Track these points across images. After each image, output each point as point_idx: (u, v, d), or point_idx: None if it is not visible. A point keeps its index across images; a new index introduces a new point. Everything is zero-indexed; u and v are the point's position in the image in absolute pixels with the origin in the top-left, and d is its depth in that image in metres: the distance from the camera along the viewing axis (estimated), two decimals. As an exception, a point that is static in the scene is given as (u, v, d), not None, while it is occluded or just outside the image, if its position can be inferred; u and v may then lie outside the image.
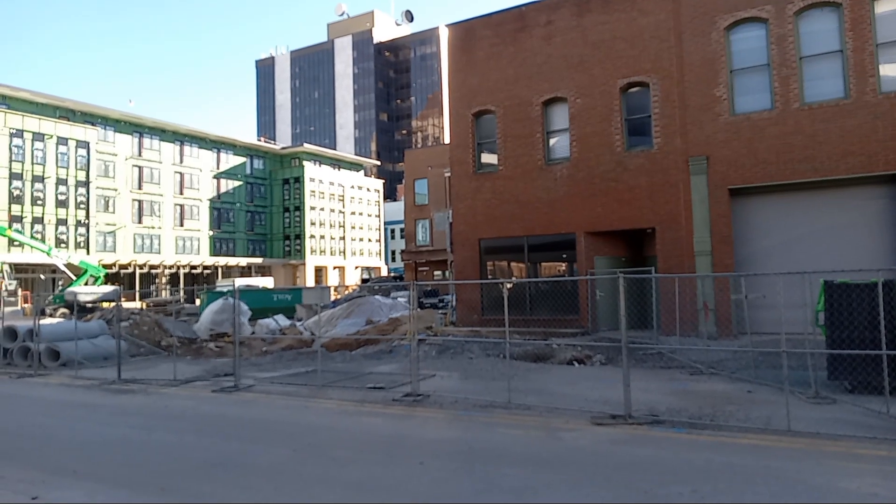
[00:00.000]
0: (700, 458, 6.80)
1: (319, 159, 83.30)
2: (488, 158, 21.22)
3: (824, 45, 15.95)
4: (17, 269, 48.30)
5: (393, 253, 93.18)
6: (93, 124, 57.69)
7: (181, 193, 66.80)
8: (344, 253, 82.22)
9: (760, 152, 16.34)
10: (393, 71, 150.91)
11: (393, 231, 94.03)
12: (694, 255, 16.98)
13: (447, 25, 21.86)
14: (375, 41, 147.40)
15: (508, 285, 11.02)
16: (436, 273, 54.85)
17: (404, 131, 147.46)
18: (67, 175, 53.70)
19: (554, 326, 17.51)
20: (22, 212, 50.41)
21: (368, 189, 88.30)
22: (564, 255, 20.14)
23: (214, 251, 69.84)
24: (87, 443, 8.62)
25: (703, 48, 17.18)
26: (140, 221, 62.52)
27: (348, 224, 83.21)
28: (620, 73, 18.52)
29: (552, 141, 20.01)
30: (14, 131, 50.32)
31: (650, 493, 5.74)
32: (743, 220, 16.95)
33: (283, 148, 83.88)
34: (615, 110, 18.60)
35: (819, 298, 10.11)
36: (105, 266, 50.79)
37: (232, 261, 70.73)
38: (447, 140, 29.67)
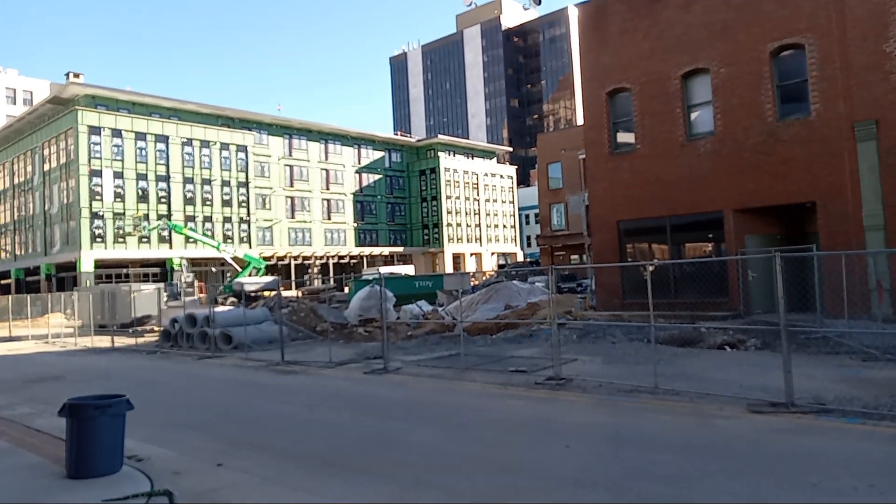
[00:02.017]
0: (878, 451, 6.23)
1: (453, 149, 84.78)
2: (625, 138, 20.51)
3: None
4: (193, 263, 54.05)
5: (528, 238, 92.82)
6: (249, 129, 62.85)
7: (327, 189, 70.98)
8: (480, 240, 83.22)
9: (945, 111, 14.40)
10: (522, 56, 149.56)
11: (527, 216, 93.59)
12: (863, 230, 15.35)
13: (576, 5, 21.30)
14: (503, 28, 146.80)
15: (651, 268, 10.67)
16: (572, 257, 53.97)
17: (535, 116, 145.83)
18: (230, 177, 59.07)
19: (701, 310, 16.64)
20: (194, 212, 56.21)
21: (502, 176, 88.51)
22: (710, 235, 19.02)
23: (359, 242, 73.60)
24: (259, 418, 9.57)
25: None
26: (293, 216, 67.33)
27: (483, 211, 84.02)
28: (770, 36, 17.08)
29: (693, 115, 18.92)
30: (185, 140, 56.16)
31: (819, 486, 5.37)
32: (924, 188, 15.05)
33: (419, 140, 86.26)
34: (765, 77, 17.20)
35: None
36: (264, 258, 55.38)
37: (375, 250, 74.17)
38: (580, 122, 28.96)
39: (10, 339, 28.72)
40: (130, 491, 5.73)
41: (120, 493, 5.68)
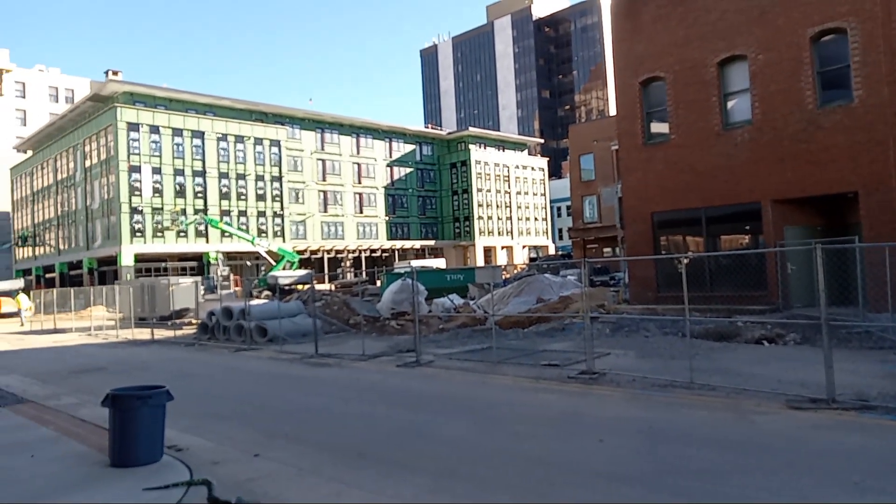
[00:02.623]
0: (922, 449, 6.05)
1: (484, 141, 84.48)
2: (658, 128, 20.18)
3: None
4: (228, 256, 55.03)
5: (560, 231, 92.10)
6: (282, 124, 63.57)
7: (359, 183, 71.45)
8: (511, 233, 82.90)
9: None
10: (553, 46, 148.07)
11: (559, 209, 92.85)
12: (909, 221, 14.85)
13: (610, -8, 20.99)
14: (534, 18, 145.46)
15: (685, 260, 10.50)
16: (605, 250, 53.41)
17: (567, 107, 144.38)
18: (264, 171, 59.90)
19: (738, 303, 16.32)
20: (229, 206, 57.16)
21: (533, 168, 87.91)
22: (748, 227, 18.63)
23: (391, 235, 73.98)
24: (294, 410, 9.72)
25: (916, -20, 14.82)
26: (325, 210, 67.98)
27: (514, 204, 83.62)
28: (810, 20, 16.59)
29: (730, 104, 18.51)
30: (220, 135, 57.07)
31: (861, 484, 5.23)
32: (974, 177, 14.49)
33: (449, 133, 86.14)
34: (805, 63, 16.73)
35: None
36: (298, 252, 56.07)
37: (407, 244, 74.47)
38: (612, 112, 28.59)
39: (56, 331, 29.67)
40: (171, 480, 5.88)
41: (160, 481, 5.84)
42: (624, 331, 15.44)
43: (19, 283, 47.89)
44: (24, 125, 74.66)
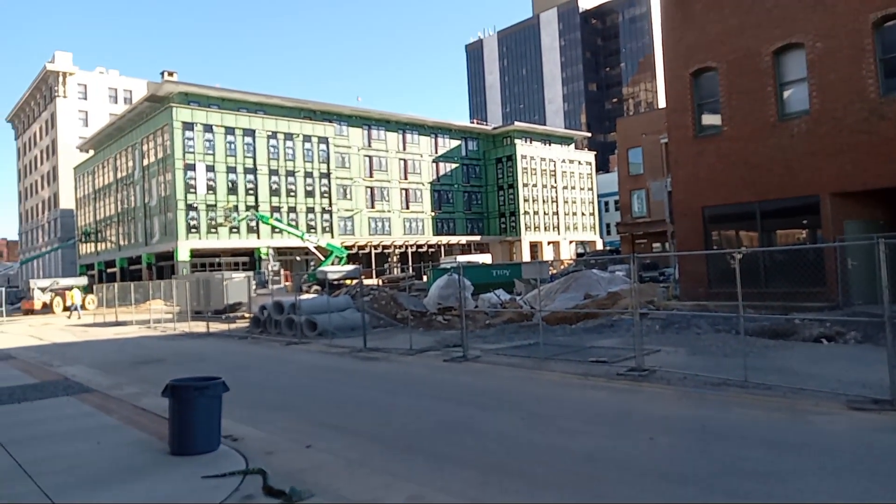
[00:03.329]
0: None
1: (530, 136, 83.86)
2: (710, 120, 19.65)
3: None
4: (279, 252, 56.27)
5: (608, 226, 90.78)
6: (330, 121, 64.52)
7: (405, 178, 71.96)
8: (558, 228, 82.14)
9: None
10: (600, 38, 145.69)
11: (607, 203, 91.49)
12: (982, 214, 14.10)
13: (660, -18, 20.53)
14: (581, 10, 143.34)
15: (739, 255, 10.22)
16: (654, 245, 52.40)
17: (615, 100, 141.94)
18: (312, 168, 60.96)
19: (794, 300, 15.79)
20: (279, 202, 58.43)
21: (580, 162, 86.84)
22: (805, 221, 17.99)
23: (437, 231, 74.29)
24: (343, 402, 9.91)
25: None
26: (372, 206, 68.75)
27: (561, 199, 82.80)
28: (872, 5, 15.86)
29: (786, 94, 17.89)
30: (270, 133, 58.35)
31: (925, 488, 5.04)
32: None
33: (495, 128, 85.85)
34: (866, 50, 16.02)
35: None
36: (346, 247, 56.92)
37: (453, 239, 74.65)
38: (662, 104, 28.01)
39: (117, 323, 30.93)
40: (227, 469, 6.09)
41: (217, 470, 6.05)
42: (674, 328, 15.15)
43: (83, 280, 50.09)
44: (86, 126, 77.84)
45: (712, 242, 19.70)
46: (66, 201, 77.12)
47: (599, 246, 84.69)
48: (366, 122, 68.97)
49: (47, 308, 42.97)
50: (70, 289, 41.99)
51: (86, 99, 79.69)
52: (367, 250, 66.62)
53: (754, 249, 17.44)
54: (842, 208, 16.79)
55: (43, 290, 44.67)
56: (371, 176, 68.81)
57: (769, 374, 9.34)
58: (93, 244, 69.38)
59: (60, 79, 77.48)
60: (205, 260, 54.41)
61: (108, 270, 65.44)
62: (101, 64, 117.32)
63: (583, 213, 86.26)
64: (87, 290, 47.22)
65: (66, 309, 42.04)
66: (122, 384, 11.88)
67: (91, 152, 71.90)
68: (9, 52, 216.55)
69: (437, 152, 75.24)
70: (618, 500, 5.20)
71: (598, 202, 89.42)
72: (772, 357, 11.03)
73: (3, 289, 43.88)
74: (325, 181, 61.69)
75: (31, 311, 43.56)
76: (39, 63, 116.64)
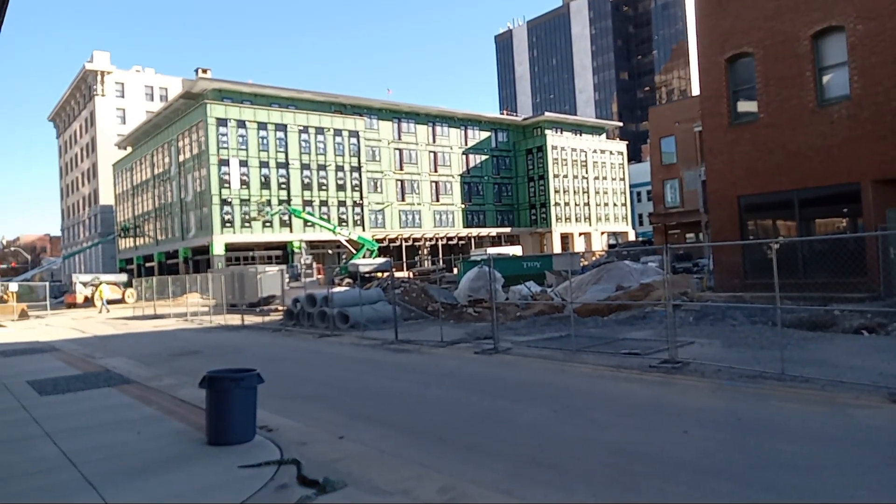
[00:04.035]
0: None
1: (560, 126, 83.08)
2: (746, 107, 19.21)
3: None
4: (311, 245, 56.91)
5: (640, 216, 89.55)
6: (360, 115, 64.85)
7: (435, 171, 72.00)
8: (589, 219, 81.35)
9: None
10: (632, 26, 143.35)
11: (639, 194, 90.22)
12: None
13: (694, -34, 20.09)
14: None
15: (776, 246, 10.00)
16: (688, 235, 51.54)
17: (647, 88, 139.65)
18: (343, 162, 61.43)
19: (834, 291, 15.39)
20: (311, 196, 59.03)
21: (611, 152, 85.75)
22: (845, 209, 17.50)
23: (467, 223, 74.23)
24: (375, 394, 10.00)
25: None
26: (403, 199, 68.99)
27: (592, 189, 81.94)
28: (920, -16, 15.29)
29: (825, 79, 17.38)
30: (301, 128, 58.93)
31: (972, 483, 4.89)
32: None
33: (525, 119, 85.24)
34: (913, 32, 15.45)
35: None
36: (377, 240, 57.28)
37: (483, 231, 74.52)
38: (695, 92, 27.47)
39: (155, 316, 31.70)
40: (262, 459, 6.21)
41: (253, 460, 6.18)
42: (708, 319, 14.91)
43: (123, 277, 51.40)
44: (124, 123, 79.63)
45: (748, 232, 19.30)
46: (106, 197, 79.11)
47: (631, 237, 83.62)
48: (395, 115, 69.13)
49: (89, 302, 44.24)
50: (99, 284, 43.06)
51: (123, 97, 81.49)
52: (397, 243, 66.93)
53: (792, 239, 17.03)
54: (884, 196, 16.29)
55: (85, 284, 46.00)
56: (401, 169, 69.02)
57: (807, 366, 9.14)
58: (131, 239, 71.08)
59: (99, 78, 79.36)
60: (239, 254, 55.33)
61: (147, 265, 67.02)
62: (137, 63, 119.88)
63: (614, 204, 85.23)
64: (127, 284, 48.47)
65: (73, 305, 43.05)
66: (161, 375, 12.18)
67: (129, 149, 73.57)
68: (50, 54, 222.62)
69: (466, 144, 75.07)
70: (651, 494, 5.16)
71: (630, 192, 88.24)
72: (810, 349, 10.79)
73: (48, 283, 45.34)
74: (355, 175, 62.10)
75: (73, 305, 44.94)
76: (79, 63, 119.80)
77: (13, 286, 41.79)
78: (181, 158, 58.98)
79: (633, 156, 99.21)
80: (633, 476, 5.55)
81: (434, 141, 72.17)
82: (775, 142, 18.09)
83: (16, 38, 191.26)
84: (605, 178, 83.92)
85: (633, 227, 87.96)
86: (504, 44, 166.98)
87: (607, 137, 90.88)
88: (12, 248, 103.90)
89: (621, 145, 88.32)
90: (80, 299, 45.07)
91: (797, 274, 16.83)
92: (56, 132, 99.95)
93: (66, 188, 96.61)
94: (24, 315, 35.65)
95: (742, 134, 18.99)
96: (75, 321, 31.88)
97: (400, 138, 69.27)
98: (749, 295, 16.74)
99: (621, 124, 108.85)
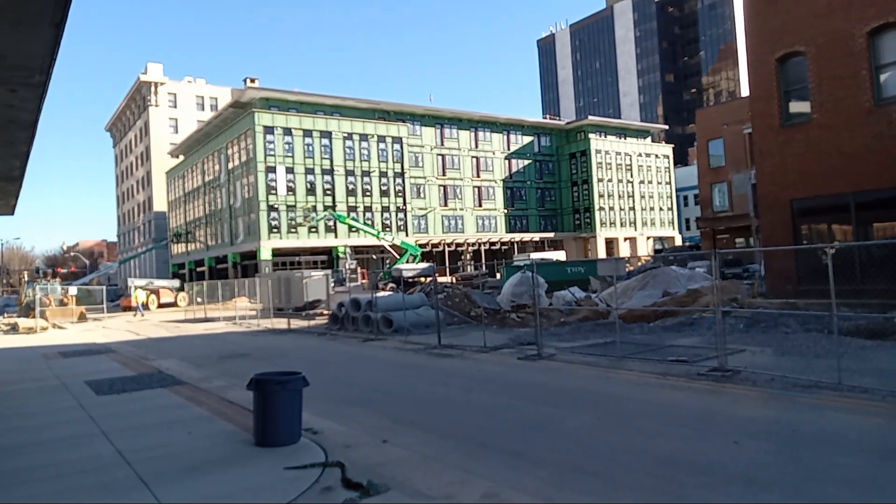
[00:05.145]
0: None
1: (604, 130, 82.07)
2: (798, 107, 18.61)
3: None
4: (355, 250, 57.60)
5: (687, 221, 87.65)
6: (403, 121, 65.41)
7: (478, 176, 72.01)
8: (635, 224, 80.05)
9: None
10: (678, 27, 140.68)
11: (686, 198, 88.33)
12: None
13: (743, -35, 19.62)
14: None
15: (831, 251, 9.66)
16: (737, 240, 50.16)
17: (693, 90, 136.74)
18: (387, 168, 62.05)
19: (894, 298, 14.75)
20: (355, 202, 59.81)
21: (657, 156, 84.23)
22: (906, 213, 16.75)
23: (509, 228, 73.96)
24: (419, 398, 10.04)
25: None
26: (445, 204, 69.22)
27: (637, 194, 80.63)
28: None
29: (883, 77, 16.70)
30: (346, 134, 59.81)
31: None
32: None
33: (568, 123, 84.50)
34: (979, 26, 14.73)
35: None
36: (420, 245, 57.59)
37: (526, 236, 74.13)
38: (744, 93, 26.77)
39: (206, 319, 32.55)
40: (308, 461, 6.30)
41: (299, 461, 6.28)
42: (760, 326, 14.48)
43: (175, 282, 52.97)
44: (176, 132, 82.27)
45: (801, 237, 18.68)
46: (160, 204, 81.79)
47: (678, 242, 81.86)
48: (438, 121, 69.46)
49: (143, 305, 45.74)
50: (136, 289, 44.35)
51: (176, 107, 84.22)
52: (440, 248, 67.13)
53: (849, 244, 16.40)
54: (949, 198, 15.54)
55: (140, 288, 47.57)
56: (444, 174, 69.26)
57: (866, 376, 8.78)
58: (183, 244, 73.27)
59: (153, 89, 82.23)
60: (285, 259, 56.38)
61: (198, 269, 68.92)
62: (189, 73, 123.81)
63: (660, 208, 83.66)
64: (179, 288, 49.96)
65: (128, 309, 44.42)
66: (211, 377, 12.49)
67: (181, 157, 75.90)
68: (107, 66, 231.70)
69: (509, 149, 74.87)
70: (699, 505, 5.03)
71: (677, 196, 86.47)
72: (869, 358, 10.36)
73: (105, 287, 47.02)
74: (399, 180, 62.60)
75: (129, 308, 46.49)
76: (134, 74, 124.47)
77: (73, 290, 43.56)
78: (230, 166, 60.52)
79: (680, 159, 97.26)
80: (681, 487, 5.42)
81: (476, 146, 72.20)
82: (830, 143, 17.48)
83: (75, 53, 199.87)
84: (650, 182, 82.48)
85: (680, 232, 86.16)
86: (547, 48, 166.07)
87: (652, 141, 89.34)
88: (72, 254, 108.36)
89: (667, 148, 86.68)
90: (134, 303, 46.65)
91: (854, 280, 16.19)
92: (112, 142, 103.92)
93: (122, 195, 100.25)
94: (82, 318, 37.09)
95: (794, 135, 18.41)
96: (130, 324, 33.00)
97: (443, 144, 69.55)
98: (803, 302, 16.18)
99: (667, 127, 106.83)
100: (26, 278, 73.94)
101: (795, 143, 18.37)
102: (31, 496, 5.61)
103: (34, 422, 8.77)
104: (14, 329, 28.61)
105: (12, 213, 17.93)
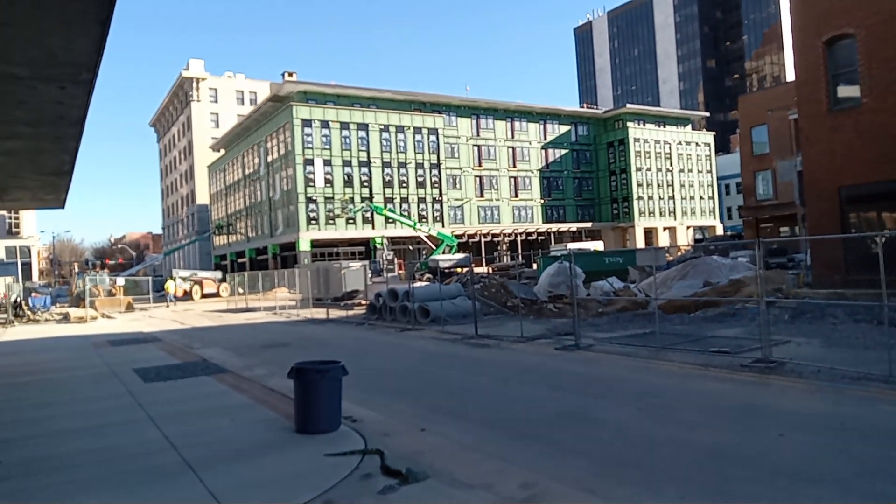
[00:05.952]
0: None
1: (643, 118, 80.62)
2: (847, 91, 17.96)
3: None
4: (392, 241, 58.01)
5: (728, 210, 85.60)
6: (439, 112, 65.40)
7: (514, 167, 71.62)
8: (674, 213, 78.59)
9: None
10: (720, 11, 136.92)
11: (728, 186, 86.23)
12: None
13: (789, -56, 18.97)
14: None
15: (881, 239, 9.32)
16: (781, 229, 48.79)
17: (736, 76, 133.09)
18: (423, 159, 62.21)
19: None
20: (392, 194, 60.17)
21: (697, 143, 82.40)
22: (965, 199, 16.05)
23: (546, 218, 73.44)
24: (456, 388, 10.08)
25: None
26: (481, 195, 69.08)
27: (677, 182, 79.09)
28: None
29: (942, 58, 15.98)
30: (382, 127, 60.13)
31: None
32: None
33: (606, 111, 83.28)
34: None
35: None
36: (456, 236, 57.66)
37: (563, 226, 73.51)
38: (790, 78, 25.93)
39: (247, 309, 33.22)
40: (347, 448, 6.39)
41: (338, 449, 6.37)
42: (806, 317, 14.10)
43: (217, 273, 54.19)
44: (217, 127, 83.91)
45: (850, 225, 18.07)
46: (202, 197, 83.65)
47: (719, 231, 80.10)
48: (474, 111, 69.22)
49: (188, 295, 46.92)
50: (211, 279, 45.42)
51: (216, 102, 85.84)
52: (476, 239, 67.06)
53: (901, 232, 15.80)
54: None
55: (184, 279, 48.79)
56: (480, 165, 69.07)
57: (919, 368, 8.47)
58: (225, 236, 74.83)
59: (194, 84, 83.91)
60: (324, 250, 57.10)
61: (239, 260, 70.34)
62: (229, 69, 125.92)
63: (701, 197, 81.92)
64: (221, 279, 51.14)
65: (190, 297, 45.64)
66: (253, 366, 12.76)
67: (222, 151, 77.40)
68: (150, 62, 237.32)
69: (545, 139, 74.20)
70: (745, 499, 4.94)
71: (718, 185, 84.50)
72: (923, 350, 9.98)
73: (151, 278, 48.40)
74: (435, 171, 62.69)
75: (178, 298, 47.78)
76: (176, 71, 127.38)
77: (120, 281, 44.96)
78: (269, 159, 61.44)
79: (721, 147, 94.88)
80: (726, 480, 5.33)
81: (513, 136, 71.76)
82: (880, 128, 16.83)
83: (120, 49, 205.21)
84: (690, 171, 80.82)
85: (721, 221, 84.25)
86: (583, 35, 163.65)
87: (693, 128, 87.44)
88: (119, 246, 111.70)
89: (708, 136, 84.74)
90: (179, 293, 47.89)
91: (907, 270, 15.59)
92: (157, 136, 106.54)
93: (167, 189, 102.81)
94: (129, 307, 38.25)
95: (843, 121, 17.78)
96: (175, 313, 33.90)
97: (479, 134, 69.32)
98: (851, 292, 15.67)
99: (708, 114, 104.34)
100: (76, 270, 76.66)
101: (844, 129, 17.75)
102: (88, 478, 5.83)
103: (88, 407, 9.10)
104: (66, 318, 29.69)
105: (63, 207, 18.54)
